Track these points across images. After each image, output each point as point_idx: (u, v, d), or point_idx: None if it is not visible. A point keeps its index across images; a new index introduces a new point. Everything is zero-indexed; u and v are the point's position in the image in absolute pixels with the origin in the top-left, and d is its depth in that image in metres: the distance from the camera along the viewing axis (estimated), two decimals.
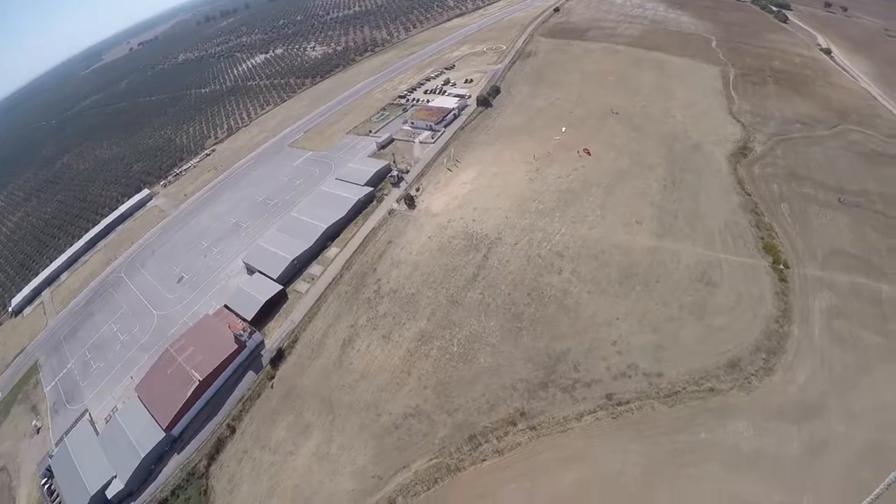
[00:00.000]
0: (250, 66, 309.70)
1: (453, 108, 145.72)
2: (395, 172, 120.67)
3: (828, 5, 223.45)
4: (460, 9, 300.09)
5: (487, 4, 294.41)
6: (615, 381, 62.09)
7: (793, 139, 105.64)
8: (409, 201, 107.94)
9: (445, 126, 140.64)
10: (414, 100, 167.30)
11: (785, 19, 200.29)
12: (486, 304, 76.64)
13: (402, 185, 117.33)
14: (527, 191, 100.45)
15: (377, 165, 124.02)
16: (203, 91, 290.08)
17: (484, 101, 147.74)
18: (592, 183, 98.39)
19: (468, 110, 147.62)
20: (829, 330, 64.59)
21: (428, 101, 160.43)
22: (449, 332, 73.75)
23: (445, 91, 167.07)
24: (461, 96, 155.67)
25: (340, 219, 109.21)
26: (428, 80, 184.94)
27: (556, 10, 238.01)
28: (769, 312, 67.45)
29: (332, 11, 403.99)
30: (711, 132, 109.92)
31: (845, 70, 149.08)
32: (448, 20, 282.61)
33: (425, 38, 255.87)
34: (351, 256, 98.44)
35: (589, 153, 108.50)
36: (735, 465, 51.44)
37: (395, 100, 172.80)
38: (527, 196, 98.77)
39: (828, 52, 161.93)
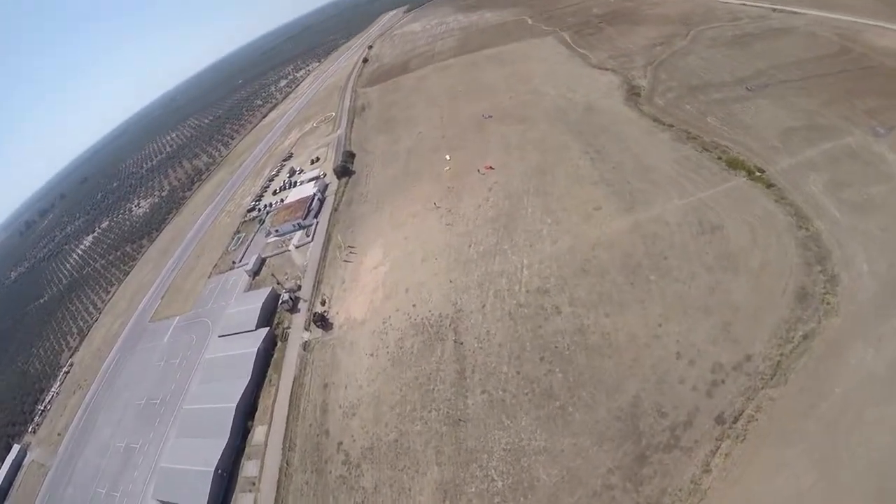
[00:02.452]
0: (81, 252, 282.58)
1: (314, 193, 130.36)
2: (285, 296, 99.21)
3: None
4: (270, 102, 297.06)
5: (294, 88, 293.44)
6: (711, 397, 47.62)
7: (665, 61, 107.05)
8: (321, 322, 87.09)
9: (315, 216, 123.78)
10: (267, 206, 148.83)
11: None
12: (498, 401, 57.97)
13: (302, 305, 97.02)
14: (454, 239, 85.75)
15: (261, 298, 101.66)
16: (42, 301, 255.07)
17: (343, 171, 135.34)
18: (518, 194, 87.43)
19: (332, 188, 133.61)
20: (843, 203, 61.68)
21: (282, 199, 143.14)
22: (477, 465, 53.32)
23: (296, 182, 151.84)
24: (316, 178, 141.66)
25: (248, 385, 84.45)
26: (271, 179, 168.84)
27: (365, 60, 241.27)
28: (786, 222, 61.91)
29: (145, 163, 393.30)
30: (592, 90, 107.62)
31: None
32: (263, 117, 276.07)
33: (248, 143, 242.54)
34: (286, 429, 74.13)
35: (491, 167, 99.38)
36: (889, 380, 42.67)
37: (245, 216, 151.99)
38: (457, 245, 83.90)
39: None
